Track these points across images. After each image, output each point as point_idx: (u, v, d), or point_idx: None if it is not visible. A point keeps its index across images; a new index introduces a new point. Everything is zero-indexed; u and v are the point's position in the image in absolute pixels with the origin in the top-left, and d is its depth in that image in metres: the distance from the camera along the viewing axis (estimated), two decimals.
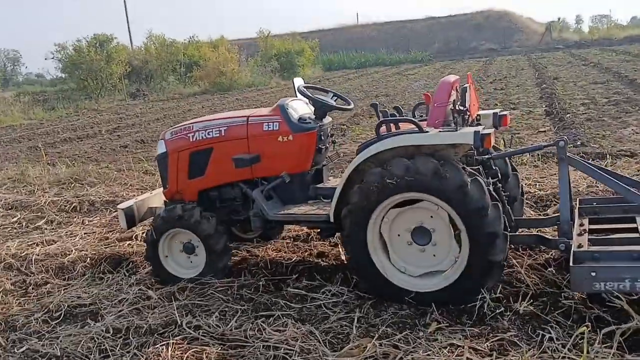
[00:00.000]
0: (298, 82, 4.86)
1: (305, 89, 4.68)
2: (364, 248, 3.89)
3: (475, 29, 56.94)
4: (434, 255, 3.87)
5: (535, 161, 7.85)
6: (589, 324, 3.24)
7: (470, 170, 3.77)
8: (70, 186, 8.91)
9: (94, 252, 5.55)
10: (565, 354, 3.06)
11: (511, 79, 21.76)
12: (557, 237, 3.97)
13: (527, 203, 5.74)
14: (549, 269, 4.22)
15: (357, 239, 3.90)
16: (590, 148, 8.44)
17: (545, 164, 7.77)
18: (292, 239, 5.50)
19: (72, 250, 5.67)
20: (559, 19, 59.37)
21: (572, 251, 3.53)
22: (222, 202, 4.76)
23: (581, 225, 4.11)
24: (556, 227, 4.14)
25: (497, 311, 3.60)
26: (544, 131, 10.40)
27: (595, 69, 23.01)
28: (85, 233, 6.41)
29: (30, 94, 35.65)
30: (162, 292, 4.43)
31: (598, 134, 9.68)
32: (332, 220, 4.09)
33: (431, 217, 3.81)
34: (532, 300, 3.69)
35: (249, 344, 3.51)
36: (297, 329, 3.61)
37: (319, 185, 4.66)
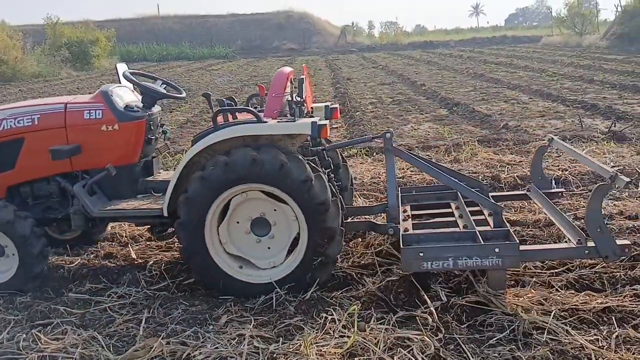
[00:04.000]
0: (122, 67, 4.50)
1: (131, 75, 4.34)
2: (201, 237, 3.75)
3: (277, 28, 58.53)
4: (269, 248, 3.86)
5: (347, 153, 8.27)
6: (358, 302, 3.57)
7: (314, 165, 3.80)
8: None
9: None
10: (343, 332, 3.27)
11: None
12: (386, 223, 4.23)
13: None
14: None
15: (193, 227, 3.73)
16: (375, 143, 9.15)
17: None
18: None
19: None
20: (352, 23, 63.76)
21: (400, 235, 3.79)
22: (36, 199, 4.26)
23: (404, 211, 4.44)
24: (384, 213, 4.41)
25: (286, 298, 3.72)
26: (336, 127, 11.06)
27: (383, 71, 25.11)
28: None
29: None
30: None
31: (382, 130, 10.54)
32: (165, 214, 3.85)
33: (274, 210, 3.80)
34: (317, 287, 3.89)
35: (22, 356, 3.18)
36: (78, 335, 3.37)
37: (149, 178, 4.38)
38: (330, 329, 3.33)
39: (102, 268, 4.49)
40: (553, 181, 5.16)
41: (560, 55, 29.42)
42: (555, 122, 10.53)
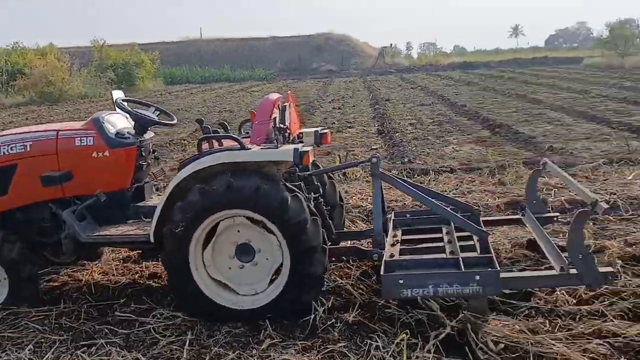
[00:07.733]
0: (117, 94, 4.63)
1: (123, 103, 4.45)
2: (186, 268, 3.74)
3: (316, 50, 59.19)
4: (256, 273, 3.83)
5: (367, 177, 8.25)
6: (408, 330, 3.44)
7: (291, 186, 3.79)
8: None
9: None
10: None
11: (348, 99, 22.85)
12: (371, 248, 4.16)
13: (358, 216, 6.03)
14: (373, 279, 4.40)
15: (178, 259, 3.74)
16: (416, 164, 9.11)
17: None
18: (121, 261, 5.18)
19: None
20: (391, 45, 63.99)
21: (383, 260, 3.72)
22: (28, 224, 4.31)
23: (394, 236, 4.36)
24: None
25: (329, 323, 3.66)
26: (376, 148, 11.01)
27: (422, 92, 25.02)
28: None
29: None
30: None
31: (423, 151, 10.48)
32: (152, 240, 3.88)
33: (256, 234, 3.78)
34: (360, 310, 3.82)
35: None
36: (122, 357, 3.38)
37: (139, 204, 4.43)
38: (375, 357, 3.26)
39: (147, 289, 4.52)
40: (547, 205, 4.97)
41: (603, 77, 28.81)
42: (601, 145, 10.23)
